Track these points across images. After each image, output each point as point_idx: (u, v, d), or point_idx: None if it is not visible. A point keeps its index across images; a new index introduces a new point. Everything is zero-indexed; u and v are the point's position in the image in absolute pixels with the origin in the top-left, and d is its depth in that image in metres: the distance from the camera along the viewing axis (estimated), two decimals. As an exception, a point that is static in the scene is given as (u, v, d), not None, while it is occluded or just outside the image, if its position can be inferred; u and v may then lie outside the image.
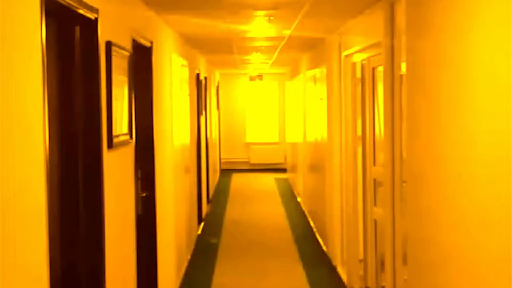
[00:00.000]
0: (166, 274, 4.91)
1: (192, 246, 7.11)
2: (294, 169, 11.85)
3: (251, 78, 15.33)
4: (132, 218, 3.47)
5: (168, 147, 5.26)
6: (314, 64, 7.85)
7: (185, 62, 6.74)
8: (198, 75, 8.55)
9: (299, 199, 10.53)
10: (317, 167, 7.82)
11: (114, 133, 2.95)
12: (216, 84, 13.62)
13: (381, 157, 4.77)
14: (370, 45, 4.59)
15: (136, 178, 4.25)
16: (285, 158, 14.74)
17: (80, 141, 2.66)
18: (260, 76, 15.26)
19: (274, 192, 11.89)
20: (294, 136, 11.70)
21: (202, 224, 8.61)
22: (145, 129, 4.33)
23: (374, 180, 4.71)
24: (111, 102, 2.89)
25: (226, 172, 14.90)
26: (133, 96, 3.42)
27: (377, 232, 4.69)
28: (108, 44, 2.88)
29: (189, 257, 6.68)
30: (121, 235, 3.21)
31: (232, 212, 9.73)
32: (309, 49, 8.16)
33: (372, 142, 4.71)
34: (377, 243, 4.66)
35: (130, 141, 3.34)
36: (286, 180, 13.42)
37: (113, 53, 2.94)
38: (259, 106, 15.55)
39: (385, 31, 3.93)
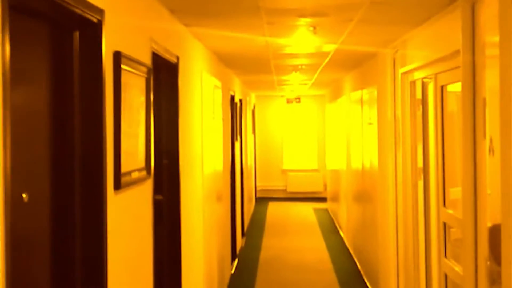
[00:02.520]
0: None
1: (225, 289, 6.36)
2: (335, 198, 11.03)
3: (289, 101, 14.62)
4: (148, 272, 2.75)
5: (197, 177, 4.56)
6: (361, 85, 7.09)
7: (218, 83, 6.07)
8: (232, 97, 7.89)
9: (341, 233, 9.69)
10: (364, 199, 7.02)
11: (124, 169, 2.25)
12: (251, 108, 12.96)
13: (453, 196, 3.97)
14: (438, 59, 3.83)
15: (155, 219, 3.57)
16: (325, 186, 13.92)
17: (76, 184, 1.97)
18: (298, 99, 14.54)
19: (314, 224, 11.06)
20: (335, 163, 10.91)
21: (236, 261, 7.85)
22: (170, 158, 3.65)
23: (444, 224, 3.91)
24: (119, 131, 2.20)
25: (262, 200, 14.14)
26: (151, 121, 2.73)
27: None
28: (117, 56, 2.20)
29: (221, 302, 5.93)
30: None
31: (269, 247, 8.94)
32: (355, 68, 7.42)
33: (441, 177, 3.91)
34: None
35: (147, 177, 2.64)
36: (326, 210, 12.58)
37: (124, 67, 2.26)
38: (297, 131, 14.80)
39: (464, 38, 3.17)
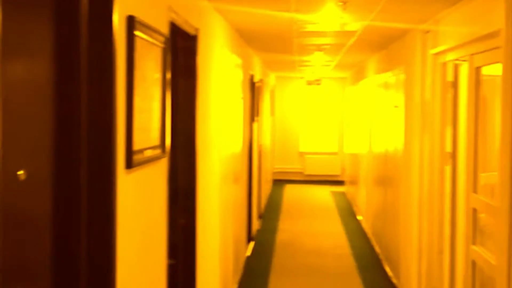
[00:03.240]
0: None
1: (240, 272, 6.21)
2: (354, 182, 10.82)
3: (309, 83, 14.36)
4: (162, 256, 2.59)
5: (214, 157, 4.38)
6: (387, 67, 6.84)
7: (239, 61, 5.86)
8: (252, 77, 7.68)
9: (360, 217, 9.50)
10: (386, 183, 6.80)
11: (136, 147, 2.07)
12: (270, 88, 12.73)
13: (483, 181, 3.76)
14: (474, 39, 3.59)
15: (171, 201, 3.40)
16: (343, 169, 13.70)
17: (82, 163, 1.79)
18: (318, 81, 14.27)
19: (331, 207, 10.88)
20: (355, 146, 10.68)
21: (252, 243, 7.70)
22: (186, 138, 3.47)
23: (474, 210, 3.69)
24: (132, 105, 2.01)
25: (279, 183, 13.97)
26: (168, 97, 2.54)
27: (476, 277, 3.67)
28: (131, 21, 2.01)
29: (235, 286, 5.78)
30: (146, 279, 2.34)
31: (285, 230, 8.78)
32: (380, 49, 7.16)
33: (472, 162, 3.69)
34: (477, 292, 3.64)
35: (162, 155, 2.46)
36: (343, 194, 12.38)
37: (138, 33, 2.06)
38: (316, 113, 14.55)
39: (508, 16, 2.94)
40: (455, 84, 4.40)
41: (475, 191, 3.69)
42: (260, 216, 9.46)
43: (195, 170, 3.47)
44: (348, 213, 10.21)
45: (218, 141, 4.47)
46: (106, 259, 1.84)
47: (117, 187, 1.87)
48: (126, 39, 1.97)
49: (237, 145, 6.05)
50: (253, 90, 7.87)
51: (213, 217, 4.32)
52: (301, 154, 14.55)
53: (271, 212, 10.20)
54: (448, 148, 4.47)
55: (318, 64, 9.67)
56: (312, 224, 9.31)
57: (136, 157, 2.06)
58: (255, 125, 8.23)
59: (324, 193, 12.62)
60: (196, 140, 3.50)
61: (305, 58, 8.51)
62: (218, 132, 4.44)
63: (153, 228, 2.38)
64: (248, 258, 7.00)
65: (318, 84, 14.37)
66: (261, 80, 9.36)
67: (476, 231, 3.69)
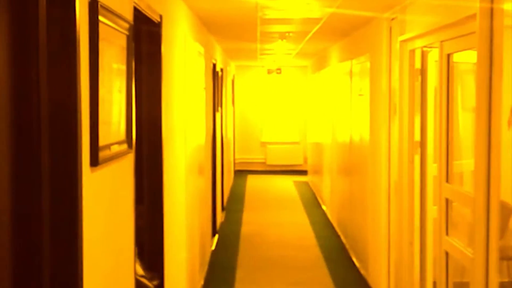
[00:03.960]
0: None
1: (206, 266, 6.07)
2: (317, 172, 10.78)
3: (269, 71, 14.24)
4: (129, 255, 2.43)
5: (180, 149, 4.23)
6: (350, 55, 6.77)
7: (201, 49, 5.70)
8: (214, 65, 7.51)
9: (324, 207, 9.46)
10: (351, 173, 6.75)
11: (102, 142, 1.91)
12: (231, 78, 12.57)
13: (455, 169, 3.71)
14: (445, 25, 3.52)
15: (137, 200, 3.24)
16: (305, 159, 13.67)
17: (43, 161, 1.62)
18: (278, 70, 14.17)
19: (295, 198, 10.81)
20: (318, 135, 10.63)
21: (217, 237, 7.56)
22: (152, 130, 3.30)
23: (447, 200, 3.64)
24: (97, 97, 1.85)
25: (241, 173, 13.85)
26: (133, 86, 2.38)
27: (449, 269, 3.62)
28: (94, 5, 1.83)
29: (202, 282, 5.64)
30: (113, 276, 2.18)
31: (250, 222, 8.67)
32: (344, 37, 7.08)
33: (444, 151, 3.63)
34: (449, 285, 3.59)
35: (129, 150, 2.30)
36: (306, 183, 12.34)
37: (102, 19, 1.90)
38: (277, 103, 14.45)
39: (482, 2, 2.87)
40: (423, 72, 4.35)
41: (447, 180, 3.63)
42: (224, 208, 9.33)
43: (161, 165, 3.32)
44: (312, 203, 10.16)
45: (183, 132, 4.31)
46: (71, 265, 1.68)
47: (83, 187, 1.71)
48: (89, 25, 1.80)
49: (201, 136, 5.90)
50: (216, 79, 7.71)
51: (180, 211, 4.17)
52: (263, 144, 14.46)
53: (234, 204, 10.07)
54: (417, 137, 4.42)
55: (280, 52, 9.55)
56: (277, 215, 9.22)
57: (103, 154, 1.90)
58: (218, 115, 8.07)
59: (287, 183, 12.56)
60: (162, 132, 3.34)
61: (268, 46, 8.38)
62: (182, 122, 4.28)
63: (121, 229, 2.22)
64: (213, 252, 6.86)
65: (279, 73, 14.27)
66: (222, 69, 9.20)
67: (449, 222, 3.64)
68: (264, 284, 5.71)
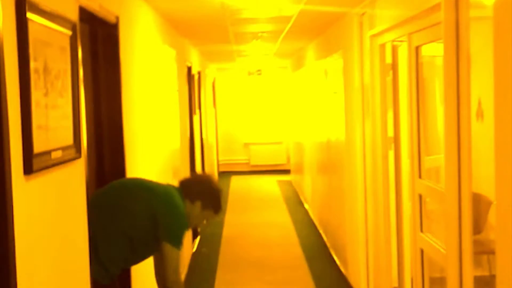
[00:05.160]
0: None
1: (185, 270, 5.96)
2: (299, 171, 10.71)
3: (250, 73, 14.16)
4: (84, 269, 2.32)
5: (149, 154, 4.12)
6: (325, 52, 6.69)
7: (172, 52, 5.59)
8: (189, 69, 7.41)
9: (306, 206, 9.38)
10: (330, 171, 6.68)
11: (39, 149, 1.80)
12: (212, 80, 12.47)
13: (428, 165, 3.63)
14: (412, 17, 3.45)
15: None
16: (288, 158, 13.60)
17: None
18: (259, 71, 14.10)
19: (278, 197, 10.73)
20: (299, 135, 10.55)
21: (198, 238, 7.46)
22: (113, 134, 3.20)
23: (420, 196, 3.56)
24: (29, 101, 1.74)
25: (225, 174, 13.75)
26: (80, 89, 2.27)
27: (425, 265, 3.55)
28: (21, 3, 1.72)
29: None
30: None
31: (232, 223, 8.57)
32: (318, 35, 7.01)
33: (416, 147, 3.55)
34: (425, 282, 3.51)
35: (77, 156, 2.19)
36: (289, 183, 12.26)
37: (33, 19, 1.79)
38: (259, 104, 14.37)
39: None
40: (394, 66, 4.27)
41: (420, 176, 3.56)
42: (206, 211, 9.21)
43: (124, 170, 3.21)
44: (295, 202, 10.08)
45: (151, 136, 4.20)
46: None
47: (14, 196, 1.60)
48: (17, 24, 1.70)
49: (176, 139, 5.79)
50: (191, 82, 7.60)
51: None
52: (246, 145, 14.37)
53: (217, 206, 9.94)
54: (390, 132, 4.35)
55: (257, 53, 9.47)
56: (259, 215, 9.13)
57: (39, 160, 1.79)
58: (195, 117, 7.96)
59: (270, 183, 12.47)
60: (124, 136, 3.23)
61: (243, 47, 8.29)
62: (151, 126, 4.17)
63: (69, 240, 2.11)
64: (194, 254, 6.76)
65: (259, 74, 14.20)
66: (199, 72, 9.09)
67: (422, 218, 3.57)
68: (243, 284, 5.62)
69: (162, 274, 2.76)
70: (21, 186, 1.68)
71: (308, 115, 8.81)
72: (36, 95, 1.79)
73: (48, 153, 1.90)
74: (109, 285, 2.80)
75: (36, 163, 1.77)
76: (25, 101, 1.72)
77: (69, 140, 2.14)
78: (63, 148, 2.06)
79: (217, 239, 7.47)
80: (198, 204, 2.86)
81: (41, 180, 1.84)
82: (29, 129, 1.74)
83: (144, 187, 2.83)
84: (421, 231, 3.53)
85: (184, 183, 2.91)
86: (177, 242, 2.72)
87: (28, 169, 1.73)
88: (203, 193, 2.89)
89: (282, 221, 8.59)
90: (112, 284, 2.81)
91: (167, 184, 2.93)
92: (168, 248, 2.69)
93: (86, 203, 2.35)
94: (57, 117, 2.01)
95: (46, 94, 1.89)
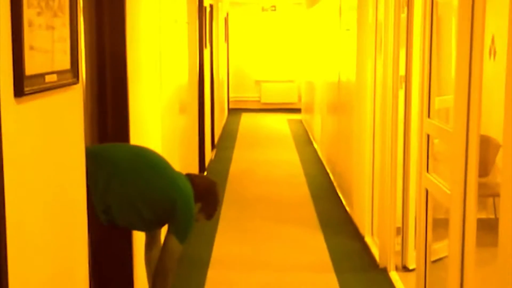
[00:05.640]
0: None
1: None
2: (309, 110, 10.63)
3: (264, 9, 13.88)
4: (82, 212, 2.30)
5: (155, 87, 4.06)
6: (340, -13, 6.49)
7: (181, -19, 5.44)
8: (201, 1, 7.24)
9: (315, 145, 9.36)
10: (340, 110, 6.60)
11: (31, 71, 1.74)
12: (224, 15, 12.23)
13: (438, 105, 3.55)
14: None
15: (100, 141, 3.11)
16: (300, 97, 13.49)
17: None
18: (273, 7, 13.81)
19: (287, 135, 10.70)
20: (311, 73, 10.41)
21: (205, 174, 7.48)
22: (115, 66, 3.13)
23: (428, 136, 3.50)
24: (21, 20, 1.67)
25: (235, 111, 13.71)
26: (79, 13, 2.19)
27: (429, 206, 3.51)
28: None
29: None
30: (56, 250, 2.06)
31: (240, 159, 8.58)
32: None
33: (427, 85, 3.46)
34: (428, 223, 3.49)
35: (74, 81, 2.13)
36: (300, 122, 12.21)
37: None
38: (272, 40, 14.14)
39: None
40: (409, 3, 4.12)
41: (429, 116, 3.48)
42: (214, 147, 9.23)
43: (127, 102, 3.15)
44: (304, 141, 10.06)
45: (156, 69, 4.13)
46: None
47: (3, 120, 1.55)
48: None
49: (183, 73, 5.71)
50: (202, 15, 7.44)
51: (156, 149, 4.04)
52: (258, 82, 14.25)
53: (226, 142, 9.97)
54: (402, 71, 4.24)
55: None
56: (268, 153, 9.13)
57: (31, 83, 1.73)
58: (206, 52, 7.84)
59: (280, 121, 12.43)
60: (127, 68, 3.16)
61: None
62: (154, 58, 4.09)
63: (63, 168, 2.07)
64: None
65: (273, 10, 13.92)
66: (212, 5, 8.90)
67: (430, 159, 3.51)
68: (248, 221, 5.65)
69: (160, 259, 2.90)
70: (12, 109, 1.63)
71: (320, 53, 8.66)
72: (28, 14, 1.71)
73: (41, 76, 1.84)
74: (107, 225, 2.80)
75: (27, 86, 1.71)
76: (16, 20, 1.64)
77: (66, 65, 2.08)
78: (59, 72, 2.00)
79: (224, 175, 7.50)
80: (198, 205, 2.98)
81: (33, 104, 1.79)
82: (20, 49, 1.67)
83: (167, 176, 2.88)
84: (427, 171, 3.48)
85: (193, 181, 2.97)
86: (184, 238, 2.88)
87: (19, 92, 1.67)
88: (206, 200, 3.02)
89: (290, 159, 8.59)
90: (110, 226, 2.81)
91: (184, 176, 2.98)
92: (173, 241, 2.85)
93: (84, 134, 2.31)
94: (52, 39, 1.94)
95: (40, 14, 1.82)
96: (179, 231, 2.86)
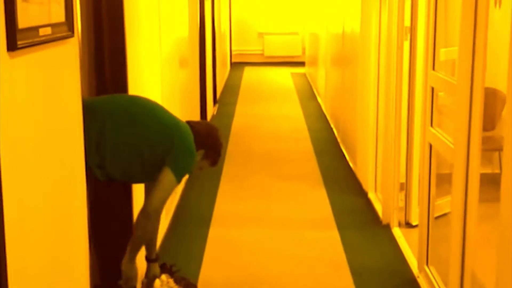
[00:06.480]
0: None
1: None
2: (313, 63, 10.51)
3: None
4: (80, 175, 2.27)
5: (153, 40, 3.99)
6: None
7: None
8: (201, -51, 7.06)
9: (319, 99, 9.28)
10: (344, 64, 6.51)
11: (24, 24, 1.68)
12: (225, -35, 11.98)
13: (443, 57, 3.47)
14: None
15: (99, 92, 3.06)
16: (303, 50, 13.32)
17: None
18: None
19: (291, 89, 10.62)
20: (315, 25, 10.25)
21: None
22: (111, 16, 3.05)
23: (432, 89, 3.44)
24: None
25: (238, 65, 13.57)
26: (72, -37, 2.11)
27: (432, 161, 3.48)
28: None
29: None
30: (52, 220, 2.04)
31: (243, 114, 8.53)
32: None
33: (432, 37, 3.38)
34: (431, 178, 3.46)
35: (69, 35, 2.07)
36: (304, 75, 12.10)
37: None
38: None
39: None
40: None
41: (433, 68, 3.41)
42: (216, 101, 9.17)
43: (124, 54, 3.09)
44: (308, 95, 9.98)
45: (153, 19, 4.04)
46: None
47: (-3, 74, 1.51)
48: None
49: (183, 26, 5.61)
50: (203, -35, 7.26)
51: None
52: (261, 34, 14.06)
53: (228, 97, 9.90)
54: (407, 22, 4.15)
55: None
56: (271, 107, 9.07)
57: (24, 36, 1.68)
58: (207, 3, 7.70)
59: (284, 75, 12.32)
60: (125, 18, 3.09)
61: None
62: (152, 9, 4.00)
63: (59, 122, 2.03)
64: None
65: (277, -40, 13.62)
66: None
67: (434, 112, 3.46)
68: (250, 176, 5.65)
69: (151, 194, 2.71)
70: (5, 63, 1.58)
71: (325, 3, 8.49)
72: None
73: (35, 29, 1.78)
74: (105, 182, 2.75)
75: (21, 39, 1.65)
76: (5, -30, 1.58)
77: (61, 17, 2.01)
78: (53, 25, 1.94)
79: (226, 131, 7.46)
80: (200, 152, 2.83)
81: (27, 58, 1.74)
82: (13, 0, 1.61)
83: (163, 118, 2.78)
84: (431, 125, 3.43)
85: (193, 128, 2.84)
86: (179, 174, 2.71)
87: (12, 45, 1.61)
88: (208, 145, 2.87)
89: (294, 114, 8.53)
90: (107, 181, 2.76)
91: (183, 122, 2.87)
92: (168, 175, 2.67)
93: (80, 87, 2.26)
94: (46, -9, 1.87)
95: (30, -36, 1.75)
96: (176, 165, 2.69)
